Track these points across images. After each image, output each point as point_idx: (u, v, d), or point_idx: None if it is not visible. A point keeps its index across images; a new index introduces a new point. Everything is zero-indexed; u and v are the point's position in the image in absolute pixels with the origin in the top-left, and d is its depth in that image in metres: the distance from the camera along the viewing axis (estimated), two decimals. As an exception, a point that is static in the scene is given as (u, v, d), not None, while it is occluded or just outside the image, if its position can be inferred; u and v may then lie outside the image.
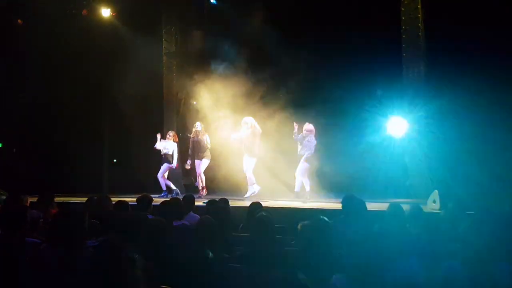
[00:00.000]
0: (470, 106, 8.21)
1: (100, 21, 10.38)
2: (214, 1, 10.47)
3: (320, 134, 8.89)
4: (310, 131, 8.19)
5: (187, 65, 10.67)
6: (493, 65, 7.87)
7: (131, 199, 5.27)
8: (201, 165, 9.18)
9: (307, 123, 8.31)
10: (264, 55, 9.91)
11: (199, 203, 6.65)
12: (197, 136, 9.10)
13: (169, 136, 9.61)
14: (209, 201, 5.30)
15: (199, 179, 9.28)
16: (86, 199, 5.41)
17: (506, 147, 7.86)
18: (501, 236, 2.86)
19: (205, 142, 9.19)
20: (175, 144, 9.62)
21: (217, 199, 5.45)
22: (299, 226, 3.17)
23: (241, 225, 4.85)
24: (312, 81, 10.16)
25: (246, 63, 9.46)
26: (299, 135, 8.24)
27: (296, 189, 8.21)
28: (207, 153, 9.22)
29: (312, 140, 8.12)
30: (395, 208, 4.35)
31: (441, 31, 8.36)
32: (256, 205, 5.04)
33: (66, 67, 10.69)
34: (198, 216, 4.61)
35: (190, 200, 5.33)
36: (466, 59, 8.04)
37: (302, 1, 9.68)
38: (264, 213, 4.14)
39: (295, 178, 8.26)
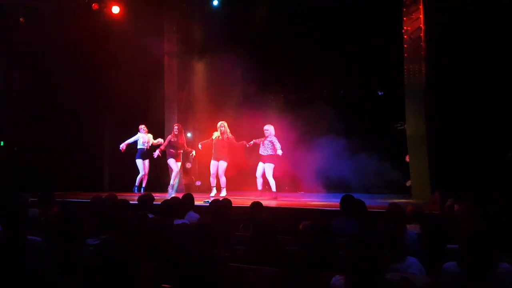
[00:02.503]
0: (471, 105, 8.21)
1: (102, 20, 10.37)
2: (216, 1, 10.47)
3: (321, 134, 8.90)
4: (270, 131, 8.28)
5: (188, 64, 10.67)
6: (495, 63, 7.87)
7: (132, 198, 5.28)
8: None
9: (267, 124, 8.38)
10: (265, 54, 9.91)
11: (200, 202, 6.66)
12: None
13: (144, 129, 9.43)
14: (211, 200, 5.31)
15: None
16: (84, 197, 5.42)
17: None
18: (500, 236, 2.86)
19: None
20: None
21: (219, 199, 5.46)
22: (300, 226, 3.17)
23: (241, 225, 4.85)
24: (313, 80, 10.18)
25: (247, 62, 9.46)
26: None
27: (273, 189, 8.28)
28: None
29: (275, 141, 8.17)
30: (394, 208, 4.36)
31: (443, 31, 8.36)
32: (257, 205, 5.04)
33: (66, 65, 10.68)
34: (198, 215, 4.62)
35: (189, 199, 5.33)
36: (467, 59, 8.04)
37: (303, 1, 9.67)
38: (265, 213, 4.15)
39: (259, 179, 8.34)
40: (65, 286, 2.63)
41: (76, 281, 2.53)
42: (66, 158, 11.07)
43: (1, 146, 11.39)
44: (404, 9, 8.43)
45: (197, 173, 10.84)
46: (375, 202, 6.51)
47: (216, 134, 8.64)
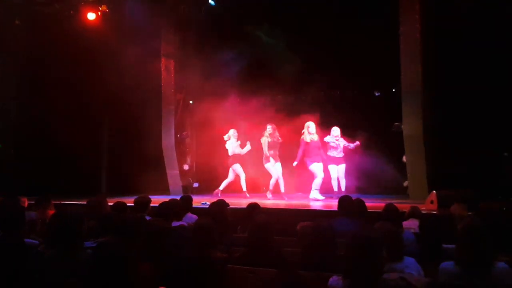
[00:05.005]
0: (470, 105, 8.24)
1: (98, 22, 10.36)
2: (213, 3, 10.46)
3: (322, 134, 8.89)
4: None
5: (185, 65, 10.66)
6: (492, 62, 7.90)
7: (129, 201, 5.27)
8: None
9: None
10: (262, 55, 9.91)
11: (197, 204, 6.66)
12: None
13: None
14: (211, 203, 5.30)
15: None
16: (83, 200, 5.40)
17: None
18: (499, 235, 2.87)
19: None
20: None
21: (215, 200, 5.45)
22: (298, 227, 3.17)
23: (239, 226, 4.85)
24: (310, 81, 10.17)
25: (246, 62, 9.46)
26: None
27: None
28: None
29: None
30: (391, 208, 4.38)
31: (439, 31, 8.39)
32: (254, 206, 5.03)
33: (63, 68, 10.66)
34: (196, 217, 4.62)
35: (187, 201, 5.33)
36: (463, 58, 8.07)
37: (302, 3, 9.67)
38: (262, 214, 4.15)
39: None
40: (63, 289, 2.62)
41: (74, 284, 2.53)
42: (64, 161, 11.04)
43: (-1, 149, 11.36)
44: (401, 10, 8.45)
45: (194, 175, 10.85)
46: (372, 203, 6.50)
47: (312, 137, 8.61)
